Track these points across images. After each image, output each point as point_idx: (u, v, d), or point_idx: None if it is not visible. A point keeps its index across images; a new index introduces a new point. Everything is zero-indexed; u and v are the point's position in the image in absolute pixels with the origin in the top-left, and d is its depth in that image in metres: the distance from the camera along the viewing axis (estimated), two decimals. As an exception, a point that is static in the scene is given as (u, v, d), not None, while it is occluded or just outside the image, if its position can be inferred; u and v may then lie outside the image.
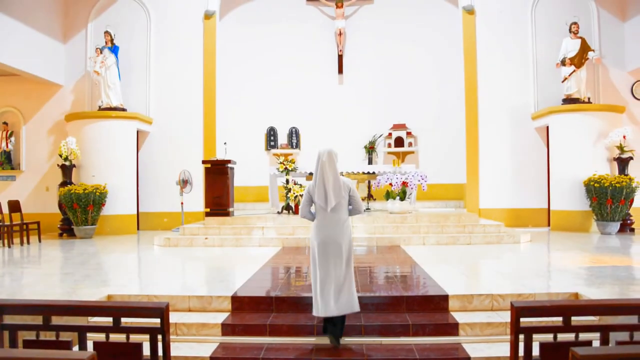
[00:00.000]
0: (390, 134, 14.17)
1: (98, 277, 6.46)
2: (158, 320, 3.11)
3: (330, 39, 14.72)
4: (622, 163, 11.08)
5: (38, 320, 3.10)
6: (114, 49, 12.08)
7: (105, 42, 12.07)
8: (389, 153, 14.18)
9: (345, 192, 4.58)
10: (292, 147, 14.47)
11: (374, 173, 11.88)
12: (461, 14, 12.69)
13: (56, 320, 3.16)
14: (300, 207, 4.86)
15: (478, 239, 9.31)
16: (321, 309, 4.45)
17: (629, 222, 11.08)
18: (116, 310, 3.18)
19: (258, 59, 14.65)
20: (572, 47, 11.62)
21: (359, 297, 4.63)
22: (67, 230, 11.42)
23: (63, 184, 11.36)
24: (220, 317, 4.97)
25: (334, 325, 4.53)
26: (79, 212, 10.83)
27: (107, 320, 3.16)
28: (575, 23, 11.67)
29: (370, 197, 12.95)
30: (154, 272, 7.17)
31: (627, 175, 10.89)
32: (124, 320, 3.22)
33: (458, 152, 13.05)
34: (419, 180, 10.55)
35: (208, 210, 10.71)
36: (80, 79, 12.72)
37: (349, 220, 4.68)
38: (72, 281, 6.15)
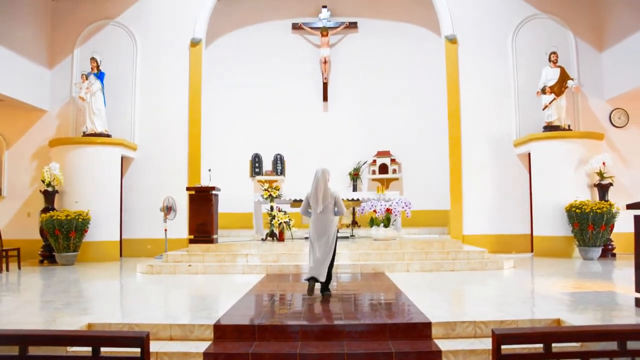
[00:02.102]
0: (374, 161, 14.28)
1: (79, 306, 6.35)
2: (139, 350, 3.07)
3: (315, 67, 14.90)
4: (602, 189, 11.24)
5: (14, 350, 3.04)
6: (100, 75, 12.09)
7: (91, 68, 12.08)
8: (373, 180, 14.28)
9: (331, 199, 6.66)
10: (277, 173, 14.49)
11: (358, 200, 11.93)
12: (444, 43, 12.92)
13: (33, 350, 3.10)
14: (301, 206, 6.96)
15: (462, 265, 9.34)
16: (311, 273, 6.57)
17: (610, 247, 11.20)
18: (95, 339, 3.13)
19: (243, 86, 14.78)
20: (551, 75, 11.87)
21: (343, 325, 4.92)
22: (48, 257, 11.26)
23: (45, 210, 11.23)
24: (203, 346, 4.90)
25: (321, 283, 6.58)
26: (61, 238, 10.70)
27: (87, 350, 3.11)
28: (554, 52, 11.94)
29: (354, 223, 12.97)
30: (136, 300, 7.08)
31: (607, 201, 11.03)
32: (103, 349, 3.17)
33: (442, 178, 13.15)
34: (403, 207, 10.60)
35: (192, 237, 10.65)
36: (65, 105, 12.70)
37: (335, 220, 6.77)
38: (51, 309, 6.05)
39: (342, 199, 7.13)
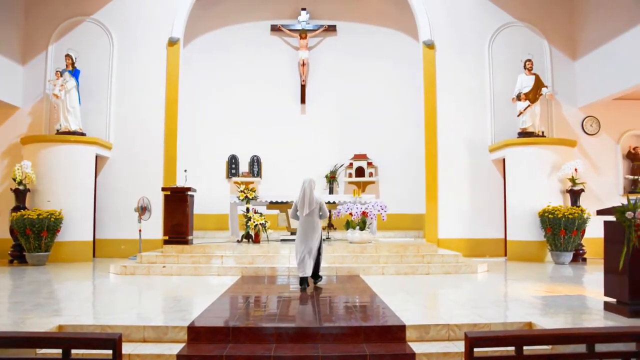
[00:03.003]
0: (351, 164, 14.35)
1: (49, 307, 6.24)
2: (110, 352, 3.03)
3: (294, 69, 14.90)
4: (575, 195, 11.46)
5: (-18, 352, 2.98)
6: (75, 73, 11.91)
7: (66, 65, 11.89)
8: (350, 183, 14.33)
9: (316, 204, 7.69)
10: (253, 175, 14.47)
11: (334, 203, 11.95)
12: (421, 48, 13.03)
13: (1, 353, 3.04)
14: (290, 211, 8.28)
15: (436, 268, 9.41)
16: (303, 272, 7.60)
17: (581, 252, 11.43)
18: (66, 341, 3.08)
19: (221, 87, 14.71)
20: (526, 82, 12.07)
21: (317, 327, 4.97)
22: (18, 256, 11.02)
23: (16, 209, 11.01)
24: (176, 348, 4.87)
25: (312, 277, 7.82)
26: (32, 238, 10.50)
27: (57, 352, 3.06)
28: (529, 60, 12.15)
29: (330, 226, 13.00)
30: (109, 301, 6.98)
31: (579, 206, 11.24)
32: (74, 351, 3.12)
33: (418, 182, 13.25)
34: (379, 210, 10.65)
35: (167, 238, 10.55)
36: (38, 102, 12.46)
37: (320, 223, 7.79)
38: (21, 311, 5.93)
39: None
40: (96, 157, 12.06)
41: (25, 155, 11.57)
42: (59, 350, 3.03)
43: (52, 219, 10.66)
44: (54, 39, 12.59)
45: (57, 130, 11.80)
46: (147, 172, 12.45)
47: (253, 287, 7.95)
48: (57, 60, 12.35)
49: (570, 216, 10.72)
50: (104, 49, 12.69)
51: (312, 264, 7.67)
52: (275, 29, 14.93)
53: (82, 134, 11.86)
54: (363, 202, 11.17)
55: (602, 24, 11.81)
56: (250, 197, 11.44)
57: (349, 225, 10.86)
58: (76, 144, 11.59)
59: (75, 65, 11.99)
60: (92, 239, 11.90)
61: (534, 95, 11.94)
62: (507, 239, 12.18)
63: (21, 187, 11.08)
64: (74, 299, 7.04)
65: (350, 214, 10.59)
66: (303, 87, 14.87)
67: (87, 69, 12.29)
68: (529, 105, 11.95)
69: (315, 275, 7.90)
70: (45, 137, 11.76)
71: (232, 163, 14.61)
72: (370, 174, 14.23)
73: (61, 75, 11.72)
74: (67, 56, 11.91)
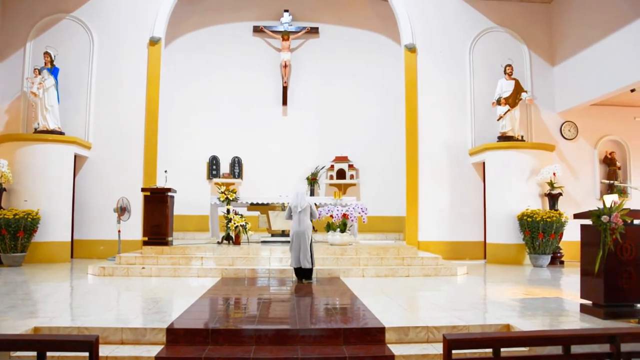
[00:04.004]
0: (332, 166, 14.37)
1: (25, 308, 6.14)
2: (87, 354, 2.99)
3: (276, 71, 14.89)
4: (553, 199, 11.61)
5: (-46, 355, 2.92)
6: (54, 71, 11.74)
7: (45, 63, 11.71)
8: (331, 185, 14.35)
9: (307, 205, 8.67)
10: (234, 176, 14.42)
11: (315, 204, 11.94)
12: (403, 52, 13.10)
13: (-25, 354, 2.99)
14: (285, 212, 8.97)
15: (416, 271, 9.45)
16: (294, 263, 8.51)
17: (559, 255, 11.58)
18: (41, 343, 3.03)
19: (202, 88, 14.64)
20: (506, 87, 12.20)
21: (297, 329, 4.94)
22: (-7, 257, 10.84)
23: (-9, 209, 10.84)
24: (154, 350, 4.82)
25: (303, 272, 8.52)
26: (8, 238, 10.31)
27: (32, 355, 3.01)
28: (509, 65, 12.29)
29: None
30: (87, 302, 6.89)
31: (557, 210, 11.40)
32: (50, 354, 3.07)
33: (399, 185, 13.32)
34: (360, 212, 10.68)
35: (146, 239, 10.46)
36: (15, 100, 12.26)
37: (310, 222, 8.67)
38: (-5, 312, 5.83)
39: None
40: (75, 156, 11.90)
41: (1, 154, 11.36)
42: (34, 353, 2.99)
43: (29, 219, 10.50)
44: (32, 35, 12.40)
45: (35, 129, 11.63)
46: (126, 172, 12.32)
47: (233, 288, 7.91)
48: (35, 57, 12.17)
49: (548, 219, 10.85)
50: (84, 47, 12.54)
51: (302, 257, 8.45)
52: (257, 30, 14.91)
53: (61, 133, 11.70)
54: (344, 204, 11.20)
55: (581, 31, 12.00)
56: (231, 199, 11.40)
57: (329, 227, 10.87)
58: (54, 143, 11.43)
59: (54, 63, 11.82)
60: (70, 239, 11.74)
61: (513, 99, 12.08)
62: (487, 241, 12.29)
63: (-3, 187, 10.90)
64: (51, 300, 6.93)
65: (331, 216, 10.61)
66: (285, 89, 14.86)
67: (66, 67, 12.13)
68: (508, 110, 12.08)
69: (306, 273, 8.56)
70: (23, 136, 11.58)
71: (213, 164, 14.54)
72: (352, 176, 14.27)
73: (39, 73, 11.55)
74: (46, 54, 11.74)
